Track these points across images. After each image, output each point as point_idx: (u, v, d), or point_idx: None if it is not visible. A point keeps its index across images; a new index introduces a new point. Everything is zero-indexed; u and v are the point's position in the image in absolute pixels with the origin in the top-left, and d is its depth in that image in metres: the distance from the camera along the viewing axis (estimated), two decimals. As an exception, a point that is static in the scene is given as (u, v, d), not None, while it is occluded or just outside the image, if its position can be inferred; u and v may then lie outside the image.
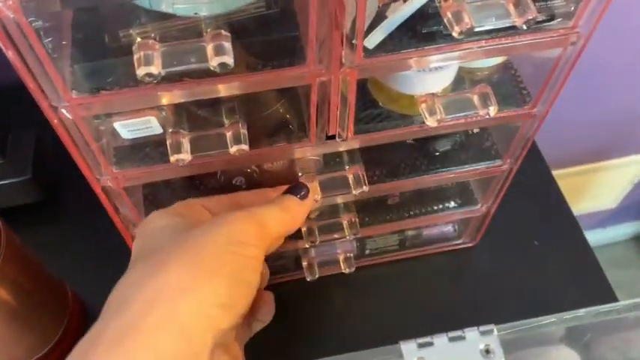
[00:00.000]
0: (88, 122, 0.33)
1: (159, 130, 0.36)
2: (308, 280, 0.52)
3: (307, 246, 0.48)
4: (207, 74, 0.30)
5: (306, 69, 0.33)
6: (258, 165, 0.42)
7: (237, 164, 0.39)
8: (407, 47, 0.33)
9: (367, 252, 0.56)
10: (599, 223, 1.41)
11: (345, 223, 0.48)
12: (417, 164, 0.46)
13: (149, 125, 0.35)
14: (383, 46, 0.33)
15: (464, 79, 0.41)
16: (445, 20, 0.30)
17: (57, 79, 0.29)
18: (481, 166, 0.47)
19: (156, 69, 0.28)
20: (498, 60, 0.42)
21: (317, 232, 0.48)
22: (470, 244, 0.59)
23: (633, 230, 1.47)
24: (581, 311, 0.40)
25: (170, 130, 0.35)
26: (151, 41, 0.28)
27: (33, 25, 0.26)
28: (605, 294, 0.57)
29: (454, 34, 0.29)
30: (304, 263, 0.52)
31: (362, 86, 0.40)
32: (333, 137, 0.39)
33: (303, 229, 0.48)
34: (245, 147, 0.34)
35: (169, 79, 0.30)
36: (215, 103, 0.36)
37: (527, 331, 0.36)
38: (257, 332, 0.40)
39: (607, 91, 0.94)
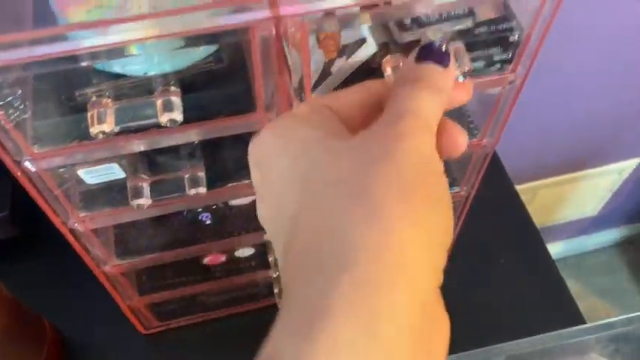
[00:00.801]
0: (52, 172, 0.35)
1: (122, 175, 0.38)
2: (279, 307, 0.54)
3: (274, 276, 0.49)
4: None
5: (257, 116, 0.35)
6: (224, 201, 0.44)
7: (199, 204, 0.40)
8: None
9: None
10: (582, 230, 1.43)
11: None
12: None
13: (112, 171, 0.37)
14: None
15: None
16: (385, 75, 0.32)
17: (18, 137, 0.31)
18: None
19: (108, 127, 0.30)
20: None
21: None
22: (438, 265, 0.61)
23: (616, 236, 1.49)
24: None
25: (130, 176, 0.36)
26: (103, 100, 0.30)
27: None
28: (571, 311, 0.58)
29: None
30: (275, 290, 0.54)
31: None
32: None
33: (270, 259, 0.50)
34: (202, 190, 0.36)
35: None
36: (175, 148, 0.38)
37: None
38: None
39: (582, 104, 0.97)
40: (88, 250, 0.42)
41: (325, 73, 0.32)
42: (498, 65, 0.36)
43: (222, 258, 0.50)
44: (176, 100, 0.31)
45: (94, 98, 0.31)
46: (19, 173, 0.34)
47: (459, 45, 0.32)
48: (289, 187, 0.22)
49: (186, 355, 0.57)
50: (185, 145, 0.38)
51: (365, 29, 0.32)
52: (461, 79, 0.32)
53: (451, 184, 0.49)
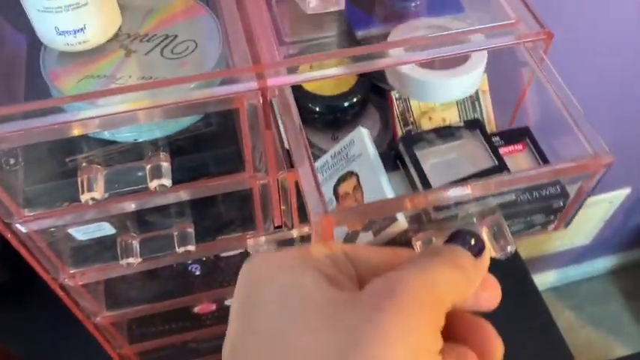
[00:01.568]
0: (42, 232, 0.35)
1: (112, 231, 0.38)
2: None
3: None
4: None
5: (246, 175, 0.35)
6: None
7: (188, 259, 0.41)
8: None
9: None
10: (575, 259, 1.43)
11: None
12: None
13: (102, 228, 0.38)
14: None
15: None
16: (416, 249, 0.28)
17: (9, 201, 0.32)
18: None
19: (98, 194, 0.30)
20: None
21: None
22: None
23: (609, 264, 1.50)
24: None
25: (120, 234, 0.37)
26: (94, 166, 0.31)
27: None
28: (560, 349, 0.59)
29: None
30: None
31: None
32: (280, 226, 0.42)
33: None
34: (191, 247, 0.37)
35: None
36: (164, 206, 0.38)
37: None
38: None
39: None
40: (78, 304, 0.42)
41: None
42: (539, 227, 0.33)
43: (213, 307, 0.50)
44: (165, 165, 0.31)
45: (84, 164, 0.31)
46: (9, 235, 0.34)
47: (499, 219, 0.28)
48: (269, 325, 0.21)
49: (176, 401, 0.57)
50: (175, 203, 0.38)
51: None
52: (502, 258, 0.28)
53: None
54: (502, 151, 0.33)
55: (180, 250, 0.37)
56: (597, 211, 1.25)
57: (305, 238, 0.46)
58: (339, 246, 0.24)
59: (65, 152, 0.32)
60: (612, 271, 1.52)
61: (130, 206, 0.34)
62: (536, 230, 0.33)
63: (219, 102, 0.30)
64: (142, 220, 0.38)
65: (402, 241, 0.28)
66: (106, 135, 0.32)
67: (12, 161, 0.33)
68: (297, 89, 0.33)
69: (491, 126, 0.35)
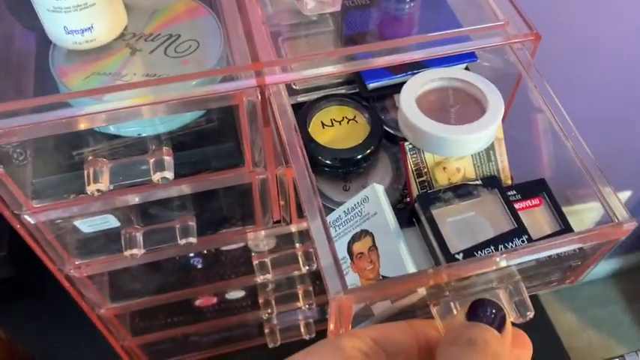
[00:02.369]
0: (49, 223, 0.37)
1: (117, 224, 0.40)
2: (270, 347, 0.55)
3: (265, 317, 0.51)
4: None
5: (245, 170, 0.37)
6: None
7: (190, 252, 0.42)
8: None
9: (327, 316, 0.59)
10: (576, 261, 1.43)
11: (300, 293, 0.51)
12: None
13: (107, 221, 0.39)
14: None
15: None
16: (434, 314, 0.26)
17: (18, 193, 0.33)
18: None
19: (104, 185, 0.32)
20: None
21: (274, 304, 0.51)
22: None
23: (610, 267, 1.50)
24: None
25: (124, 226, 0.38)
26: (100, 159, 0.32)
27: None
28: (556, 349, 0.59)
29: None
30: (266, 330, 0.55)
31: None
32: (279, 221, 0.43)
33: (261, 301, 0.51)
34: (193, 240, 0.38)
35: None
36: (167, 200, 0.40)
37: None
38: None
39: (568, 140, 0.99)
40: (82, 295, 0.44)
41: (364, 313, 0.27)
42: (555, 283, 0.33)
43: (214, 300, 0.51)
44: (168, 159, 0.33)
45: (90, 157, 0.33)
46: (18, 225, 0.35)
47: (520, 285, 0.27)
48: None
49: (178, 393, 0.58)
50: (177, 197, 0.39)
51: (411, 265, 0.28)
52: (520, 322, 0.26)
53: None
54: (518, 206, 0.32)
55: (182, 242, 0.38)
56: (598, 215, 1.25)
57: (303, 234, 0.48)
58: (366, 333, 0.23)
59: (72, 146, 0.33)
60: (613, 274, 1.52)
61: (134, 199, 0.36)
62: (552, 285, 0.33)
63: (220, 98, 0.31)
64: (145, 213, 0.39)
65: (419, 305, 0.27)
66: (112, 130, 0.33)
67: (22, 155, 0.34)
68: (308, 141, 0.34)
69: (505, 174, 0.34)
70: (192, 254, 0.47)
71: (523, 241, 0.31)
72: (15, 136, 0.30)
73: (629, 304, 1.50)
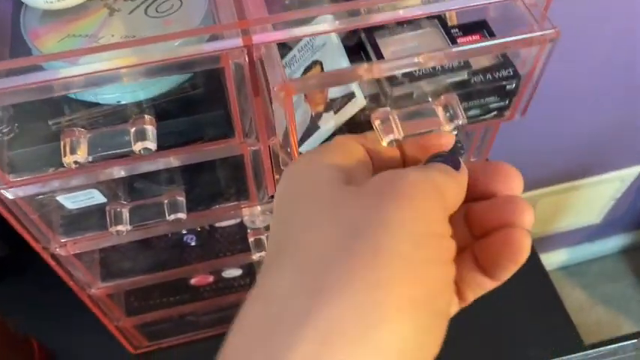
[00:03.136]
0: (29, 199, 0.35)
1: (103, 199, 0.38)
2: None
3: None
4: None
5: (236, 141, 0.34)
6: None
7: (180, 228, 0.40)
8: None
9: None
10: (586, 238, 1.41)
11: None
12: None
13: (92, 196, 0.37)
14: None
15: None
16: (375, 128, 0.29)
17: (-7, 166, 0.31)
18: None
19: (82, 156, 0.30)
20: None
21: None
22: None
23: (620, 243, 1.48)
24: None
25: (110, 202, 0.36)
26: (77, 129, 0.30)
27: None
28: (568, 331, 0.57)
29: (383, 143, 0.28)
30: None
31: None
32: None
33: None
34: (182, 215, 0.36)
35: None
36: (154, 173, 0.37)
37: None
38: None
39: (581, 112, 0.96)
40: (71, 274, 0.42)
41: (312, 127, 0.31)
42: (495, 112, 0.34)
43: (210, 279, 0.49)
44: (150, 128, 0.30)
45: (67, 127, 0.30)
46: (-5, 201, 0.33)
47: (452, 96, 0.30)
48: (295, 208, 0.23)
49: (176, 374, 0.57)
50: (165, 170, 0.37)
51: (354, 84, 0.30)
52: (454, 132, 0.30)
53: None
54: (460, 41, 0.34)
55: (170, 218, 0.36)
56: (608, 190, 1.22)
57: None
58: (359, 144, 0.26)
59: (48, 115, 0.31)
60: (623, 250, 1.50)
61: (117, 172, 0.33)
62: (492, 116, 0.34)
63: (203, 61, 0.29)
64: (131, 187, 0.37)
65: (362, 119, 0.30)
66: (90, 97, 0.31)
67: (5, 129, 0.32)
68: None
69: (452, 19, 0.36)
70: (185, 231, 0.45)
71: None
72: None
73: (638, 280, 1.47)
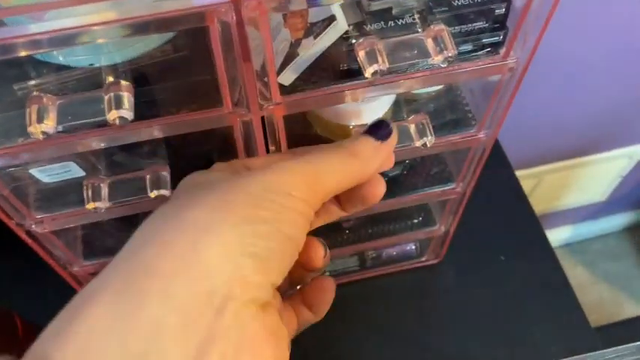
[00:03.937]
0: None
1: (81, 173, 0.35)
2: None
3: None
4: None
5: (224, 111, 0.31)
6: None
7: (165, 205, 0.37)
8: (328, 83, 0.31)
9: (326, 274, 0.54)
10: (590, 215, 1.39)
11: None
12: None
13: (68, 169, 0.34)
14: (306, 81, 0.31)
15: (402, 104, 0.39)
16: (358, 60, 0.28)
17: (-47, 136, 0.28)
18: (434, 190, 0.45)
19: (50, 126, 0.26)
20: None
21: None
22: (434, 261, 0.58)
23: (624, 221, 1.46)
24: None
25: (87, 176, 0.33)
26: (45, 95, 0.27)
27: None
28: (574, 312, 0.55)
29: (366, 75, 0.27)
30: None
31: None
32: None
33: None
34: (165, 192, 0.33)
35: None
36: (136, 145, 0.34)
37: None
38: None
39: (590, 87, 0.92)
40: (50, 252, 0.39)
41: (292, 55, 0.29)
42: (488, 49, 0.32)
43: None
44: (127, 95, 0.27)
45: (35, 93, 0.27)
46: (-41, 174, 0.30)
47: (443, 27, 0.28)
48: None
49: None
50: (147, 142, 0.34)
51: (335, 6, 0.28)
52: (444, 64, 0.28)
53: (446, 180, 0.45)
54: None
55: (153, 194, 0.33)
56: (615, 167, 1.20)
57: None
58: (239, 160, 0.31)
59: (13, 79, 0.28)
60: (627, 228, 1.48)
61: (92, 144, 0.30)
62: (486, 54, 0.32)
63: (186, 18, 0.25)
64: (111, 161, 0.34)
65: (345, 50, 0.29)
66: (60, 59, 0.27)
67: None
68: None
69: None
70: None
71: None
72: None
73: (642, 258, 1.46)
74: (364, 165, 0.28)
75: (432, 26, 0.28)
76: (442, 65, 0.28)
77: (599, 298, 1.39)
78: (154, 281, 0.21)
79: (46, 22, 0.25)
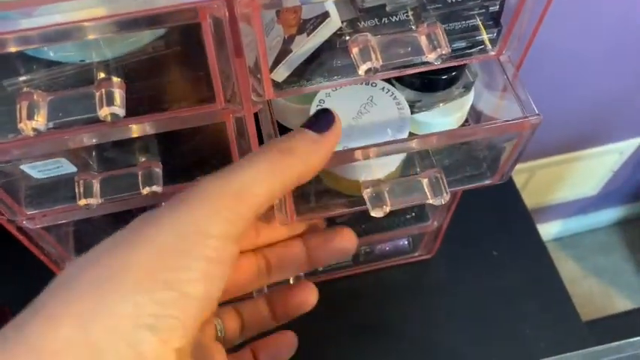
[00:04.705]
0: (-11, 168, 0.32)
1: (72, 169, 0.35)
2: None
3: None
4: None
5: (216, 107, 0.31)
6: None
7: (157, 202, 0.37)
8: (320, 79, 0.31)
9: (319, 269, 0.54)
10: (581, 209, 1.40)
11: (288, 246, 0.47)
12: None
13: (59, 165, 0.34)
14: (299, 78, 0.31)
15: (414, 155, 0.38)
16: (352, 57, 0.28)
17: (-58, 132, 0.28)
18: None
19: (41, 123, 0.26)
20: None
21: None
22: (427, 257, 0.58)
23: (615, 216, 1.47)
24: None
25: (78, 172, 0.33)
26: (35, 91, 0.27)
27: None
28: (564, 305, 0.56)
29: (360, 72, 0.27)
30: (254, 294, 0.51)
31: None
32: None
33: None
34: (157, 189, 0.33)
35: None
36: (129, 141, 0.34)
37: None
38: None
39: (581, 83, 0.93)
40: (42, 248, 0.39)
41: (286, 51, 0.28)
42: (482, 47, 0.32)
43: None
44: (118, 92, 0.27)
45: (25, 89, 0.27)
46: (-51, 171, 0.30)
47: (437, 25, 0.28)
48: None
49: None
50: (139, 138, 0.34)
51: (329, 3, 0.28)
52: (438, 62, 0.28)
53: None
54: None
55: (145, 190, 0.33)
56: (606, 162, 1.20)
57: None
58: None
59: (2, 75, 0.28)
60: (618, 223, 1.49)
61: (83, 140, 0.30)
62: (479, 51, 0.32)
63: (178, 14, 0.25)
64: (103, 157, 0.34)
65: (339, 45, 0.29)
66: (50, 55, 0.27)
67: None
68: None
69: None
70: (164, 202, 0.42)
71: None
72: None
73: (631, 253, 1.47)
74: (302, 162, 0.26)
75: (425, 23, 0.28)
76: (436, 63, 0.28)
77: (590, 291, 1.41)
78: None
79: (36, 18, 0.24)
